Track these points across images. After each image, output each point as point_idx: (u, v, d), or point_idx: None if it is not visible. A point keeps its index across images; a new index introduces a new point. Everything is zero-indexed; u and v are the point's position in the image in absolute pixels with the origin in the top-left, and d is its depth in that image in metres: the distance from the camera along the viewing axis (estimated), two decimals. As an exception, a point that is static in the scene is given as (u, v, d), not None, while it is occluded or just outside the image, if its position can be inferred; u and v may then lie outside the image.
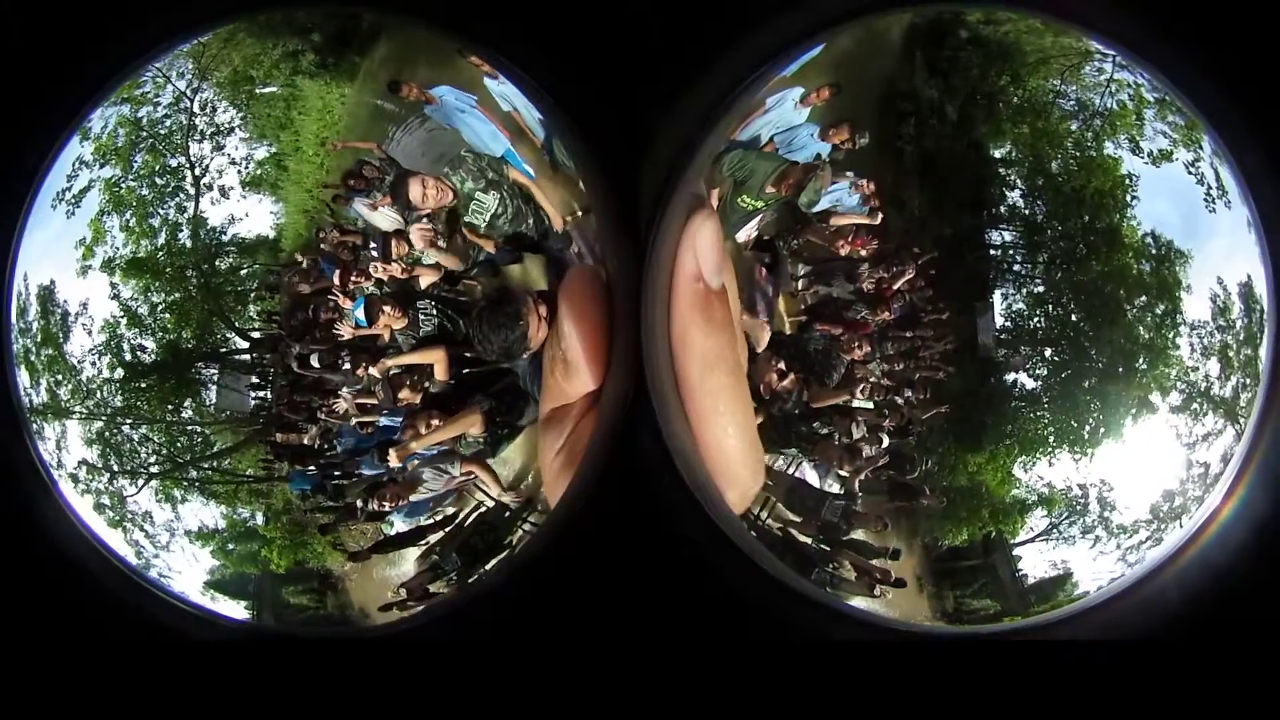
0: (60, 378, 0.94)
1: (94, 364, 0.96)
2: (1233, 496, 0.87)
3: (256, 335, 1.09)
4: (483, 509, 1.10)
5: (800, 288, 1.15)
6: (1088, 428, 1.03)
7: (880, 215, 1.10)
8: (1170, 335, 0.99)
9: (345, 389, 1.11)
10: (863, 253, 1.12)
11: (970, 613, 1.05)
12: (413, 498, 1.09)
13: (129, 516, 0.95)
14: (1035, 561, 1.04)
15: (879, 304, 1.12)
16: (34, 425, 0.91)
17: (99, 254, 0.97)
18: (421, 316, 1.14)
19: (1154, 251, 1.00)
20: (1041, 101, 1.03)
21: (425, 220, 1.13)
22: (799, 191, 1.08)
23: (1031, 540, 1.04)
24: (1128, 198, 1.00)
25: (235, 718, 0.84)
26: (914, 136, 1.07)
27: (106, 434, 0.96)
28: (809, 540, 1.09)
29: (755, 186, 1.09)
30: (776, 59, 0.93)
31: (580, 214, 1.07)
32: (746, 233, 1.11)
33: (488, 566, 1.08)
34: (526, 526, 1.08)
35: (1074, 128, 1.02)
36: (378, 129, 1.12)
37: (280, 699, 0.84)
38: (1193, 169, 0.96)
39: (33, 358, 0.92)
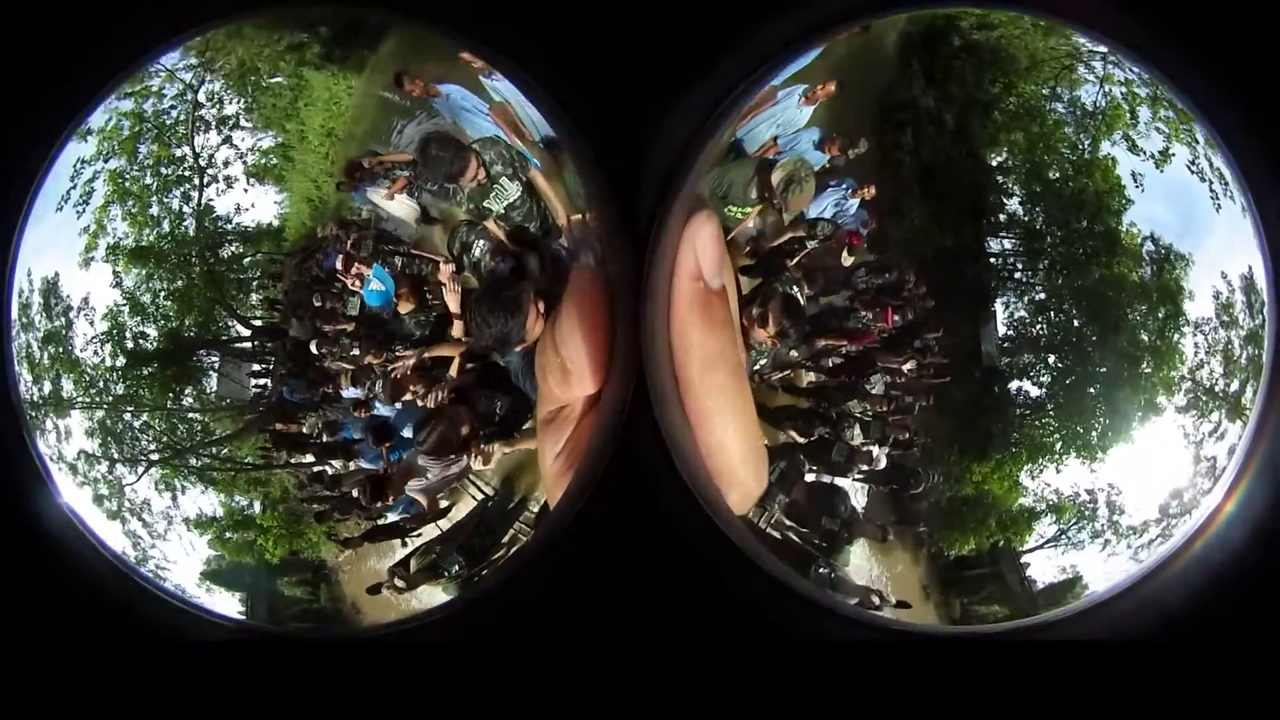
0: (62, 370, 0.94)
1: (96, 352, 0.97)
2: (1235, 492, 0.87)
3: (258, 323, 1.09)
4: (485, 506, 1.11)
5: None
6: (1095, 433, 1.02)
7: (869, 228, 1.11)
8: (1174, 337, 0.99)
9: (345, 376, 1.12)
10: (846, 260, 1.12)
11: (978, 619, 1.05)
12: (410, 484, 1.09)
13: (128, 506, 0.96)
14: (1044, 567, 1.03)
15: (877, 308, 1.12)
16: (33, 419, 0.91)
17: (102, 243, 0.98)
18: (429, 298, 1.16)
19: (1154, 256, 0.99)
20: (1036, 106, 1.02)
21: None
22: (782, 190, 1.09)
23: (1040, 547, 1.04)
24: (1125, 200, 1.00)
25: (234, 718, 0.84)
26: (912, 146, 1.06)
27: (108, 422, 0.98)
28: (808, 545, 1.09)
29: (738, 195, 1.10)
30: (776, 59, 0.92)
31: (581, 214, 1.07)
32: (744, 236, 1.12)
33: (487, 566, 1.08)
34: (522, 524, 1.08)
35: (1069, 131, 1.02)
36: (384, 122, 1.12)
37: (280, 699, 0.84)
38: (1193, 166, 0.96)
39: (35, 352, 0.93)
